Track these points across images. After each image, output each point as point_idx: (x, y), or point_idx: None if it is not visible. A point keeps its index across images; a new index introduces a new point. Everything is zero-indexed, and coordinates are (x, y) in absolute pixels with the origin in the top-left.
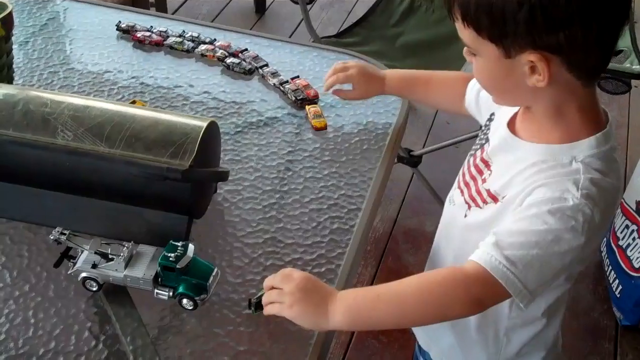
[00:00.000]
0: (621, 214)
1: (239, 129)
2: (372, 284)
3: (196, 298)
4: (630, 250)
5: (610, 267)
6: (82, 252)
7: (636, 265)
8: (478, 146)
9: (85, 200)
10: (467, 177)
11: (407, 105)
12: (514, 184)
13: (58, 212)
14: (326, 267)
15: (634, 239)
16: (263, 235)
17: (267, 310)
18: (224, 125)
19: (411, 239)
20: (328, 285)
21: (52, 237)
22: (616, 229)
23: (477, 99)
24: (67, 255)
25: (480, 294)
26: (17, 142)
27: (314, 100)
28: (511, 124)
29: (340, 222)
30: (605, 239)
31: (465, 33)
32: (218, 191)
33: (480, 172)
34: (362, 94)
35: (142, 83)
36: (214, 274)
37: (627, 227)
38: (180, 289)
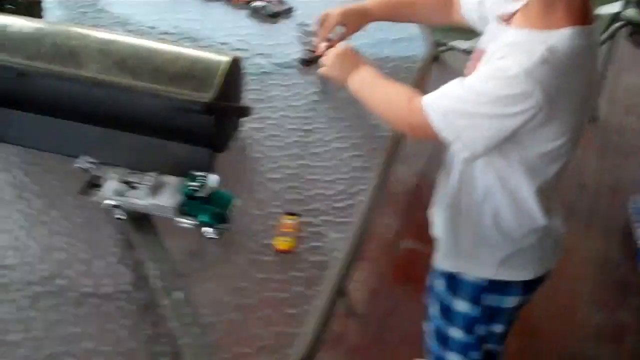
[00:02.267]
0: None
1: (264, 70)
2: (401, 235)
3: (218, 227)
4: None
5: (637, 224)
6: (108, 180)
7: None
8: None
9: (112, 132)
10: (469, 63)
11: (431, 48)
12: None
13: (86, 143)
14: (346, 202)
15: None
16: (285, 171)
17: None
18: (249, 66)
19: None
20: (363, 65)
21: (79, 166)
22: None
23: (480, 6)
24: (94, 183)
25: (415, 124)
26: (46, 74)
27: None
28: (508, 20)
29: (363, 160)
30: (633, 197)
31: None
32: (241, 128)
33: (478, 60)
34: (352, 30)
35: (169, 24)
36: (235, 204)
37: None
38: (203, 218)
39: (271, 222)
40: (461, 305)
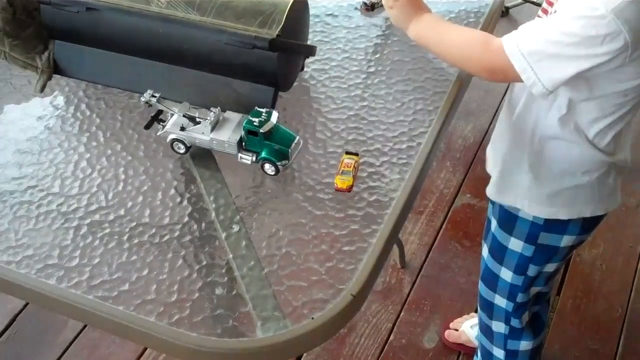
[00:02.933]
0: None
1: (329, 12)
2: (459, 190)
3: (278, 163)
4: None
5: None
6: (171, 115)
7: None
8: None
9: (177, 68)
10: (545, 5)
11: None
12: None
13: (150, 79)
14: (407, 144)
15: None
16: (347, 112)
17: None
18: (314, 7)
19: None
20: (426, 11)
21: (143, 100)
22: None
23: None
24: (157, 118)
25: (492, 64)
26: (114, 9)
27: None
28: None
29: (425, 104)
30: None
31: None
32: (305, 69)
33: (545, 12)
34: None
35: None
36: (296, 141)
37: None
38: (263, 154)
39: (332, 162)
40: (515, 244)
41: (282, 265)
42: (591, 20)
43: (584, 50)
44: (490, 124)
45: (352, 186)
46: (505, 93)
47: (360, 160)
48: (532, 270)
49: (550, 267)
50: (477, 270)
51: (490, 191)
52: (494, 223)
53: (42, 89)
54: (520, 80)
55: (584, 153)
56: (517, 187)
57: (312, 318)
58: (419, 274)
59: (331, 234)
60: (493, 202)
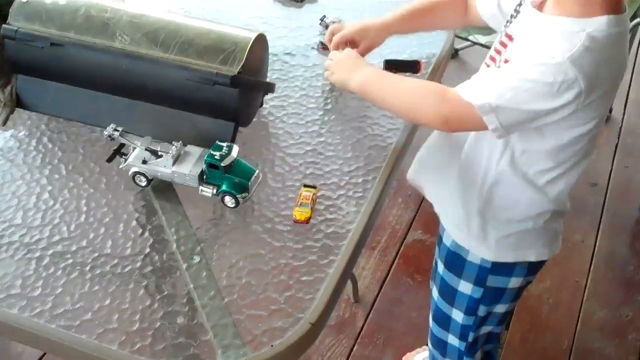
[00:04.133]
0: None
1: (287, 52)
2: (410, 226)
3: (238, 196)
4: None
5: None
6: (133, 149)
7: None
8: (502, 30)
9: (139, 103)
10: (493, 53)
11: (452, 38)
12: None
13: (113, 114)
14: (363, 178)
15: None
16: (304, 147)
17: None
18: (273, 47)
19: None
20: (365, 68)
21: (106, 133)
22: None
23: (499, 4)
24: (120, 151)
25: (449, 111)
26: (78, 45)
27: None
28: (539, 7)
29: (379, 140)
30: None
31: None
32: (264, 106)
33: (504, 45)
34: (367, 48)
35: (197, 6)
36: (255, 175)
37: None
38: (224, 187)
39: (290, 195)
40: (464, 287)
41: (242, 295)
42: (549, 67)
43: (541, 96)
44: None
45: (310, 218)
46: None
47: (318, 193)
48: (482, 311)
49: (500, 308)
50: (429, 304)
51: (444, 229)
52: (440, 266)
53: (4, 123)
54: (476, 129)
55: (532, 200)
56: (467, 229)
57: (272, 345)
58: (372, 308)
59: (290, 265)
60: (439, 245)
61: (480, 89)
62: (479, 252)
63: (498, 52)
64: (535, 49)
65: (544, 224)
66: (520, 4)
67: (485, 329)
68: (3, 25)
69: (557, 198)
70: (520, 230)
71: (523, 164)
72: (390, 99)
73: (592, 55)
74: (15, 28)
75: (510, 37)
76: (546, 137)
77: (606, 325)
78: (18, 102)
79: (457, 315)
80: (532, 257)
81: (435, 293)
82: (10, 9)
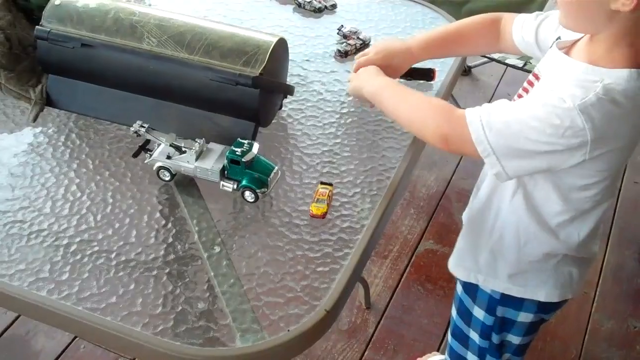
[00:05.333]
0: None
1: (306, 58)
2: (422, 237)
3: (257, 191)
4: None
5: None
6: (158, 145)
7: None
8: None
9: (165, 103)
10: (521, 92)
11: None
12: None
13: (139, 113)
14: (377, 177)
15: None
16: (321, 148)
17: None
18: (293, 53)
19: (463, 198)
20: (380, 77)
21: (132, 130)
22: None
23: (536, 33)
24: (145, 147)
25: (451, 134)
26: (108, 46)
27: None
28: (567, 49)
29: (394, 142)
30: None
31: None
32: (283, 108)
33: (531, 84)
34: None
35: (219, 15)
36: (275, 171)
37: None
38: (244, 182)
39: (307, 192)
40: (478, 312)
41: (260, 283)
42: (557, 109)
43: (545, 137)
44: (453, 174)
45: (326, 213)
46: None
47: (334, 191)
48: (495, 338)
49: (514, 339)
50: (439, 312)
51: (449, 263)
52: (459, 286)
53: (35, 119)
54: (475, 156)
55: (543, 240)
56: (474, 265)
57: (288, 330)
58: (383, 314)
59: (306, 256)
60: None
61: (486, 115)
62: (487, 284)
63: (526, 90)
64: (549, 90)
65: (556, 265)
66: (555, 40)
67: (505, 356)
68: (36, 27)
69: (569, 241)
70: (530, 269)
71: (536, 201)
72: (398, 109)
73: (604, 107)
74: (48, 29)
75: (537, 77)
76: (557, 183)
77: (614, 336)
78: (48, 101)
79: (474, 336)
80: (541, 297)
81: (453, 311)
82: (44, 11)
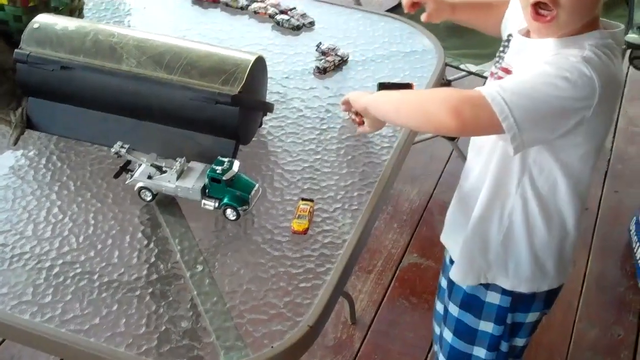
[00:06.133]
0: None
1: (285, 76)
2: (406, 250)
3: (239, 208)
4: None
5: (637, 244)
6: (139, 165)
7: None
8: (497, 61)
9: (145, 123)
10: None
11: (442, 62)
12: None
13: (120, 133)
14: (358, 192)
15: None
16: (302, 164)
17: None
18: (272, 71)
19: (446, 211)
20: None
21: (113, 150)
22: None
23: (505, 20)
24: (126, 168)
25: (465, 107)
26: (87, 68)
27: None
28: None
29: (374, 157)
30: (635, 217)
31: None
32: (263, 126)
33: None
34: (430, 16)
35: (198, 34)
36: (255, 188)
37: None
38: (225, 200)
39: (288, 208)
40: (485, 326)
41: (243, 301)
42: (566, 65)
43: (559, 90)
44: (435, 188)
45: (307, 229)
46: (448, 160)
47: (315, 207)
48: (504, 347)
49: (520, 342)
50: (424, 325)
51: (455, 274)
52: (454, 309)
53: (16, 143)
54: (489, 132)
55: (551, 225)
56: (484, 263)
57: (272, 347)
58: (368, 329)
59: (288, 272)
60: (451, 290)
61: (500, 91)
62: (498, 281)
63: (507, 71)
64: (549, 59)
65: (561, 248)
66: (508, 39)
67: None
68: (15, 50)
69: (572, 219)
70: (539, 257)
71: (541, 183)
72: (401, 106)
73: (601, 58)
74: (27, 52)
75: (507, 70)
76: (558, 152)
77: (598, 344)
78: (28, 124)
79: (480, 352)
80: (546, 287)
81: (448, 336)
82: (23, 34)
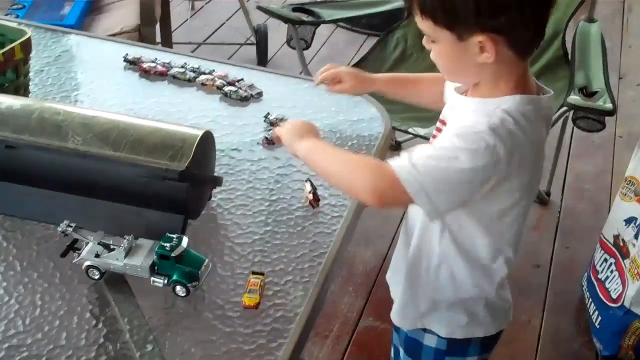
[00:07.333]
0: (600, 248)
1: (233, 147)
2: (362, 314)
3: (188, 285)
4: (609, 283)
5: (590, 300)
6: (86, 243)
7: (614, 296)
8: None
9: (92, 200)
10: (431, 139)
11: (389, 128)
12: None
13: (66, 211)
14: (309, 264)
15: (611, 272)
16: (252, 236)
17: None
18: (220, 143)
19: None
20: (315, 136)
21: (59, 229)
22: (596, 263)
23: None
24: (73, 246)
25: (382, 186)
26: (33, 146)
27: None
28: (465, 92)
29: (324, 227)
30: (586, 273)
31: (424, 24)
32: (212, 199)
33: (439, 130)
34: (351, 88)
35: (145, 107)
36: (205, 264)
37: (605, 260)
38: (174, 277)
39: (239, 282)
40: None
41: None
42: (471, 135)
43: (466, 163)
44: (389, 249)
45: (259, 303)
46: (402, 220)
47: (266, 280)
48: None
49: None
50: None
51: (394, 317)
52: (401, 351)
53: None
54: (408, 202)
55: (475, 278)
56: (416, 314)
57: None
58: None
59: (240, 349)
60: (398, 330)
61: (409, 163)
62: (431, 327)
63: (434, 137)
64: (458, 124)
65: (488, 300)
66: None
67: None
68: None
69: (499, 272)
70: (469, 307)
71: (463, 239)
72: (329, 167)
73: (508, 127)
74: None
75: (443, 122)
76: (473, 211)
77: None
78: None
79: None
80: (481, 333)
81: None
82: None
